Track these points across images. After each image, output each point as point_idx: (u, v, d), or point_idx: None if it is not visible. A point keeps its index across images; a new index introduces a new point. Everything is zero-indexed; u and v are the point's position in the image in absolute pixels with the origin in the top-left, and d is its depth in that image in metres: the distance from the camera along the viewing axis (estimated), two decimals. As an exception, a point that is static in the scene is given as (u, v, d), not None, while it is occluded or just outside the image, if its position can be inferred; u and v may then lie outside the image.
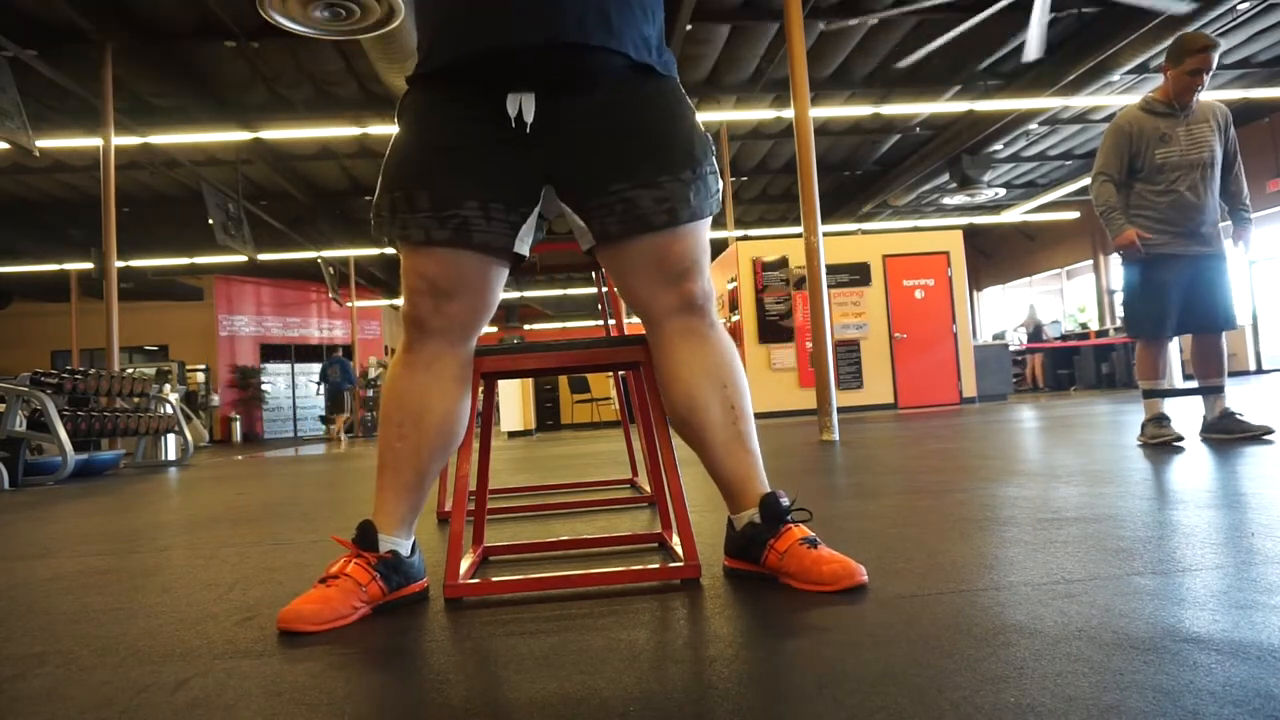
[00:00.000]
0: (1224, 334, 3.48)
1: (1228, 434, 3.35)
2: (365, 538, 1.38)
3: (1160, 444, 3.28)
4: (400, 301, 1.46)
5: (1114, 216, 3.45)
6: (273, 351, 18.87)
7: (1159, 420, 3.38)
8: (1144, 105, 3.50)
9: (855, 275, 10.66)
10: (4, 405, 5.73)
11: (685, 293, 1.42)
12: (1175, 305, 3.42)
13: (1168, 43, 8.43)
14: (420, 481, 1.44)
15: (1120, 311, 16.38)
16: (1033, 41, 7.08)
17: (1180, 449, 3.16)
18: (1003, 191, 15.35)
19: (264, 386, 18.47)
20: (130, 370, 10.38)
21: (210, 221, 10.44)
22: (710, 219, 1.45)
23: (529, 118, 1.34)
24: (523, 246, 1.42)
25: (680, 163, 1.38)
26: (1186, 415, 4.55)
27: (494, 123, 1.35)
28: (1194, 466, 2.61)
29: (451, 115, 1.38)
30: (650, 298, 1.43)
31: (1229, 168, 3.47)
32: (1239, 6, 8.44)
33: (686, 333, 1.43)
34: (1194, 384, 3.53)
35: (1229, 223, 3.52)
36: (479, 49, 1.32)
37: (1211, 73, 3.39)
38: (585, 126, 1.37)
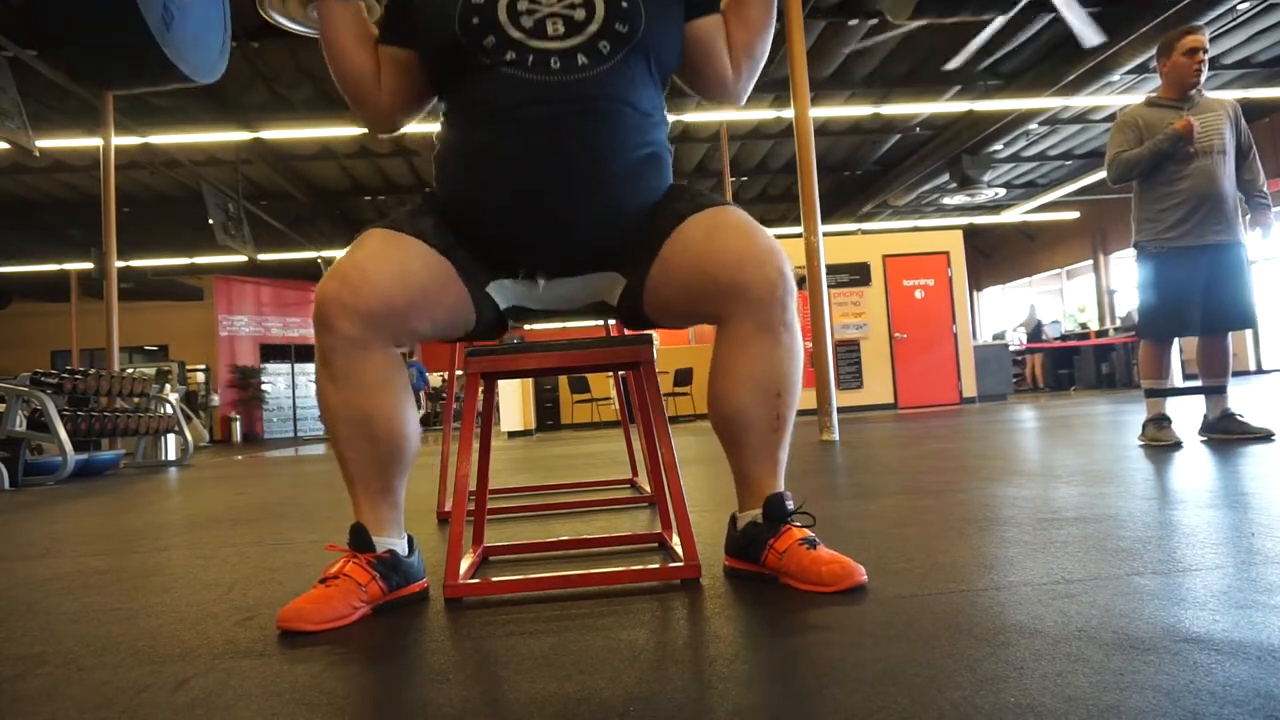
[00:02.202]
0: (1230, 334, 3.45)
1: (1227, 435, 3.35)
2: (360, 540, 1.37)
3: (1158, 447, 3.27)
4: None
5: (1145, 147, 3.34)
6: (273, 351, 18.84)
7: (1159, 421, 3.36)
8: (1148, 102, 3.49)
9: (855, 275, 10.66)
10: (4, 405, 5.72)
11: (755, 278, 1.33)
12: (1195, 303, 3.34)
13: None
14: (389, 485, 1.40)
15: (1119, 311, 16.25)
16: (1082, 32, 6.95)
17: (1179, 448, 3.16)
18: (1003, 191, 15.35)
19: (264, 386, 18.46)
20: (130, 370, 10.38)
21: (210, 221, 10.44)
22: (745, 217, 1.40)
23: (541, 284, 1.48)
24: (498, 294, 1.47)
25: (680, 198, 1.46)
26: (1188, 415, 4.55)
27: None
28: (1194, 466, 2.61)
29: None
30: (718, 292, 1.35)
31: (1243, 157, 3.44)
32: (1239, 6, 8.44)
33: (761, 329, 1.36)
34: (1196, 383, 3.52)
35: (1248, 214, 3.49)
36: (496, 254, 1.44)
37: (1208, 51, 3.38)
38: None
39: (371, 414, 1.35)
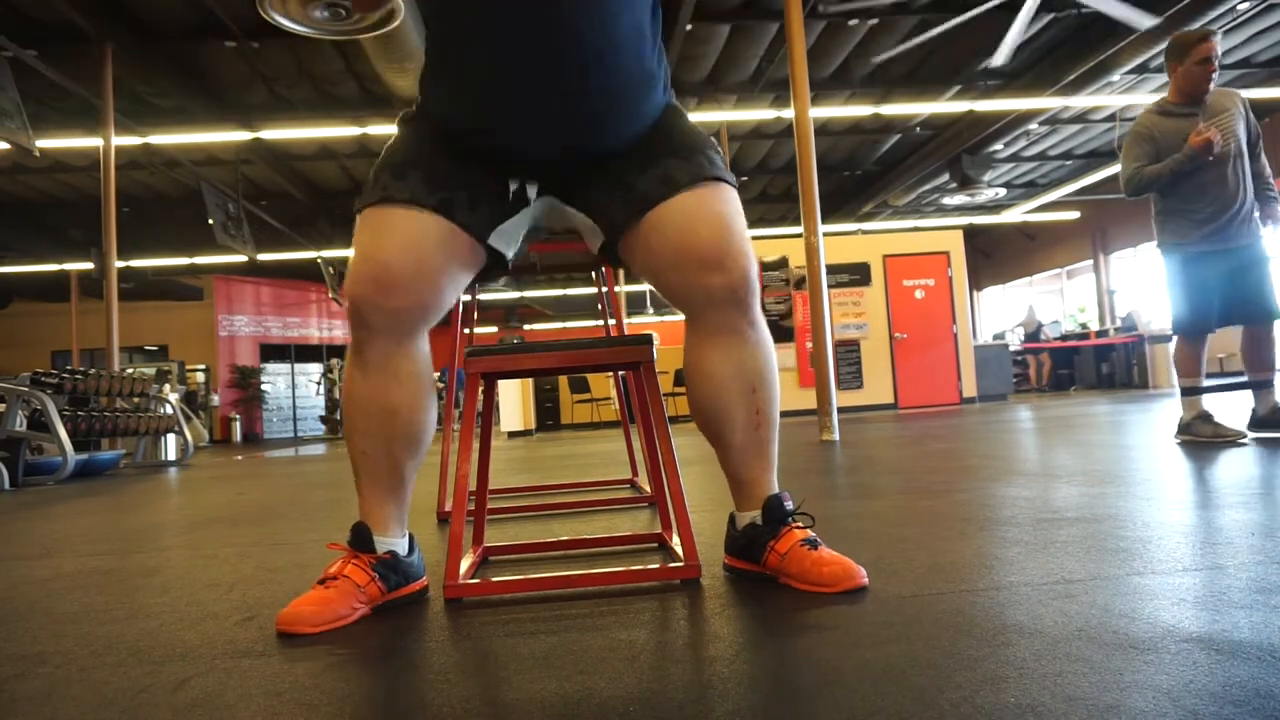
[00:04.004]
0: (1276, 326, 3.41)
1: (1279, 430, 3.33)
2: (360, 540, 1.37)
3: (1220, 441, 3.25)
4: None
5: (1165, 165, 3.31)
6: (273, 351, 18.85)
7: (1207, 418, 3.36)
8: (1158, 109, 3.46)
9: (855, 275, 10.66)
10: (4, 405, 5.72)
11: (718, 283, 1.33)
12: (1219, 300, 3.36)
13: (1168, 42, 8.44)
14: (399, 483, 1.41)
15: (1120, 311, 16.10)
16: (1004, 48, 7.03)
17: (1244, 444, 3.13)
18: (1003, 191, 15.34)
19: (264, 386, 18.46)
20: (130, 370, 10.38)
21: (210, 221, 10.44)
22: (734, 198, 1.39)
23: (531, 197, 1.43)
24: (500, 242, 1.41)
25: (677, 148, 1.40)
26: (1174, 414, 4.54)
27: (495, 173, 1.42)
28: (1194, 466, 2.61)
29: (453, 147, 1.42)
30: (683, 286, 1.36)
31: (1252, 148, 3.43)
32: (1239, 6, 8.44)
33: (724, 329, 1.37)
34: (1229, 380, 3.50)
35: (1259, 208, 3.47)
36: (483, 152, 1.39)
37: (1219, 58, 3.36)
38: (586, 174, 1.43)
39: (396, 406, 1.37)
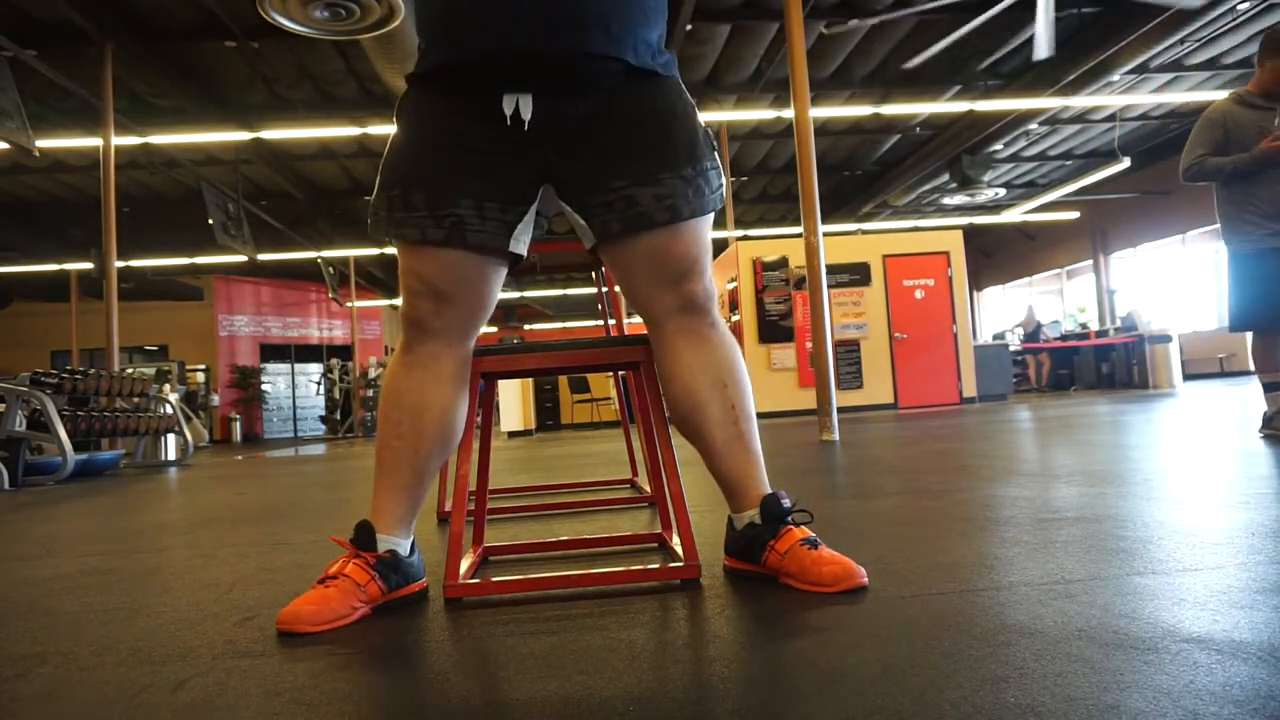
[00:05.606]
0: None
1: None
2: (363, 538, 1.38)
3: None
4: (400, 301, 1.45)
5: (1229, 161, 3.28)
6: (273, 351, 18.86)
7: None
8: (1236, 98, 3.43)
9: (855, 275, 10.66)
10: (4, 405, 5.72)
11: (686, 293, 1.41)
12: None
13: (1168, 42, 8.45)
14: (418, 481, 1.43)
15: (1120, 311, 16.02)
16: (1041, 39, 6.99)
17: None
18: (1003, 191, 15.34)
19: (264, 386, 18.47)
20: (130, 370, 10.37)
21: (210, 221, 10.44)
22: (712, 216, 1.44)
23: (526, 116, 1.33)
24: (519, 246, 1.41)
25: (682, 159, 1.37)
26: (1174, 415, 4.54)
27: (491, 121, 1.34)
28: (1194, 467, 2.61)
29: (448, 113, 1.37)
30: (650, 297, 1.43)
31: None
32: (1239, 6, 8.45)
33: (687, 333, 1.43)
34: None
35: None
36: (475, 53, 1.32)
37: None
38: (584, 125, 1.36)
39: (430, 402, 1.41)
